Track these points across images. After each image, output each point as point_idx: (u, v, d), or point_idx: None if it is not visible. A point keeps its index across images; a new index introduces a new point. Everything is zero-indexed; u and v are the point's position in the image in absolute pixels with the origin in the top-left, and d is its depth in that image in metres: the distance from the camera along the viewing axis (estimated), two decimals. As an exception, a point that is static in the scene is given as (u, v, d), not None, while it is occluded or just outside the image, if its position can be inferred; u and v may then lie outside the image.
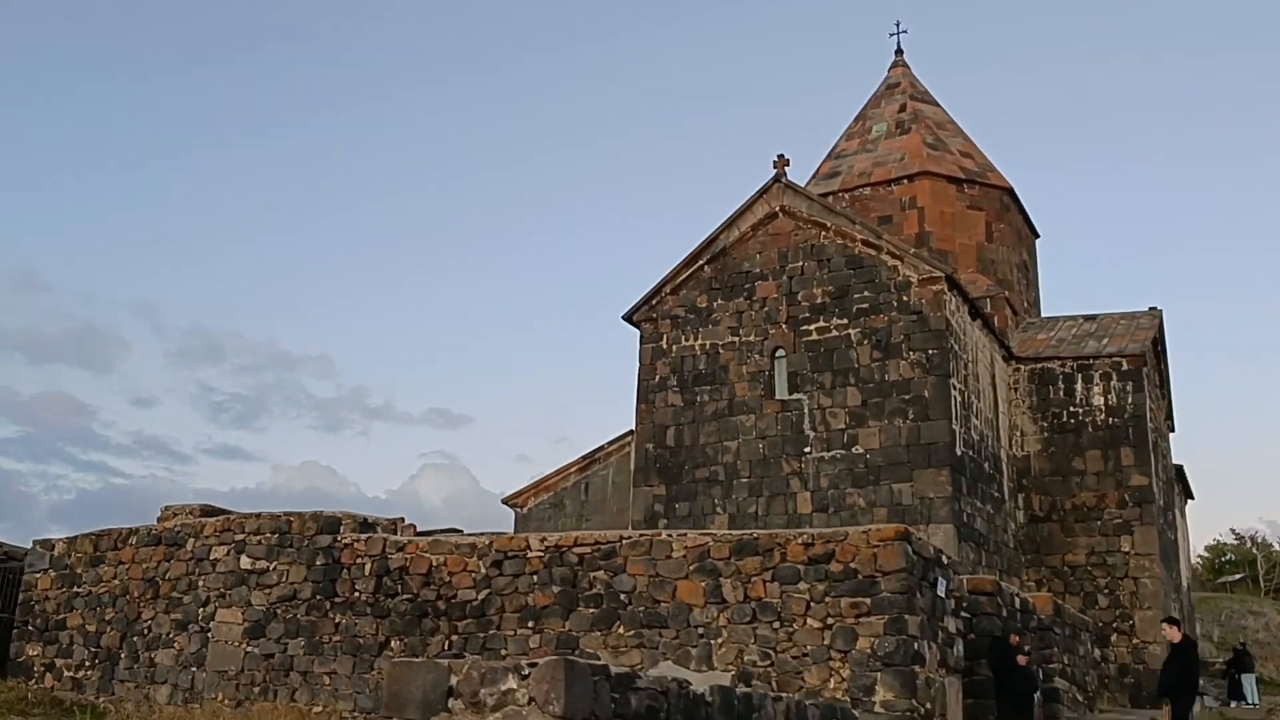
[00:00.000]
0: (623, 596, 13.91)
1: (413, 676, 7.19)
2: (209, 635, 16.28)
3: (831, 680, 12.54)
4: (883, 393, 23.17)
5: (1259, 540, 65.71)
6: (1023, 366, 27.46)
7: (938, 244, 29.49)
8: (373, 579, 15.45)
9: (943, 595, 13.49)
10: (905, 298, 23.53)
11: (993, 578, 16.00)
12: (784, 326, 24.43)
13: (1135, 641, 25.08)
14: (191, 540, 17.01)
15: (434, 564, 15.19)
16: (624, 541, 14.12)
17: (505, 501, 26.61)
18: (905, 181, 30.11)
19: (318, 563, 15.87)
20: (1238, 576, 58.21)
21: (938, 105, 33.09)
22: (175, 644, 16.58)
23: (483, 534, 15.46)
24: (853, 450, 23.15)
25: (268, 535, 16.35)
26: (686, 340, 25.41)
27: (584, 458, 26.73)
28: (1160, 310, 29.26)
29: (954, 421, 22.86)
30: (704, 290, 25.58)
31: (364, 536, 15.73)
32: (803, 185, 31.80)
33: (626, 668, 7.94)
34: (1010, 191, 31.08)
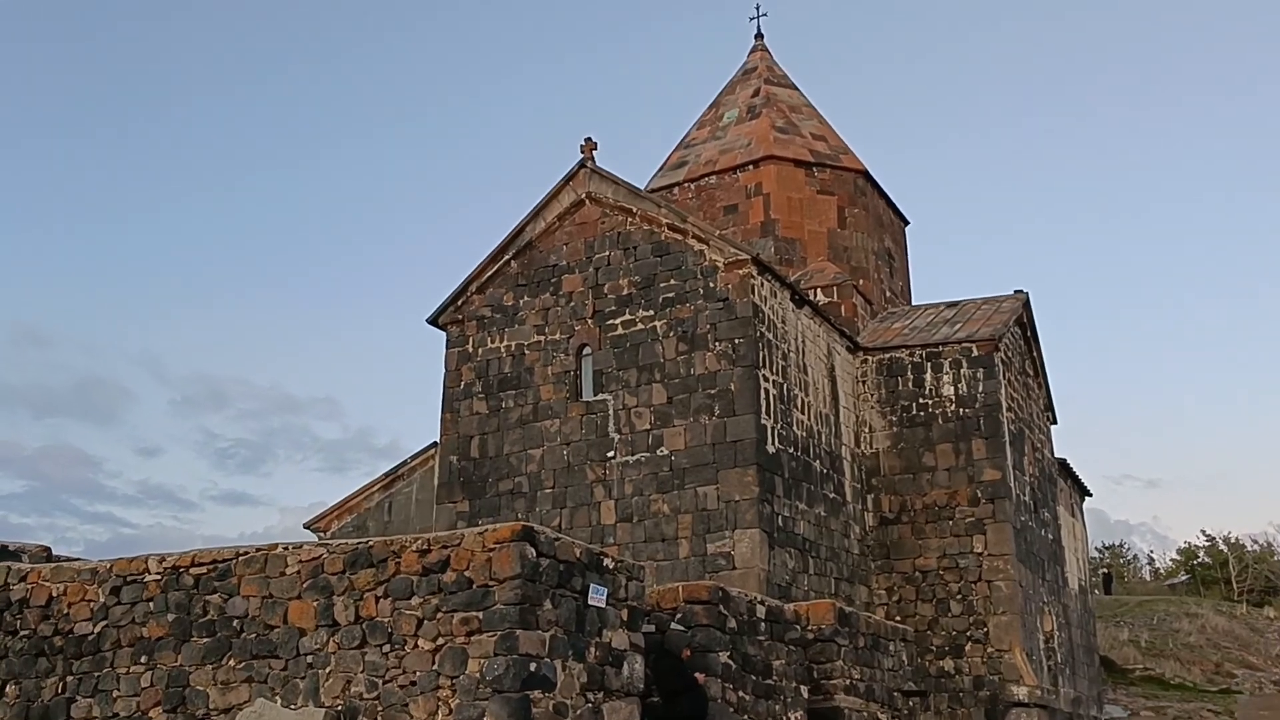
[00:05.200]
0: (235, 623, 11.84)
1: None
2: None
3: (440, 713, 10.46)
4: (689, 388, 21.13)
5: (1231, 541, 63.84)
6: (870, 358, 25.40)
7: (785, 232, 27.59)
8: (-8, 615, 13.38)
9: (600, 605, 11.40)
10: (712, 284, 21.51)
11: (710, 584, 13.88)
12: (590, 322, 22.41)
13: (990, 650, 22.86)
14: None
15: (54, 594, 13.12)
16: (240, 558, 12.05)
17: (307, 526, 24.47)
18: (751, 168, 28.14)
19: (-58, 598, 13.79)
20: (1183, 578, 56.11)
21: (795, 89, 31.20)
22: None
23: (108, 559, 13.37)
24: (657, 452, 21.08)
25: (-103, 569, 14.27)
26: (493, 342, 23.37)
27: (387, 474, 24.63)
28: (1026, 293, 27.16)
29: (765, 416, 20.81)
30: (511, 288, 23.56)
31: (-12, 566, 13.66)
32: (651, 177, 30.09)
33: None
34: (866, 174, 29.10)
